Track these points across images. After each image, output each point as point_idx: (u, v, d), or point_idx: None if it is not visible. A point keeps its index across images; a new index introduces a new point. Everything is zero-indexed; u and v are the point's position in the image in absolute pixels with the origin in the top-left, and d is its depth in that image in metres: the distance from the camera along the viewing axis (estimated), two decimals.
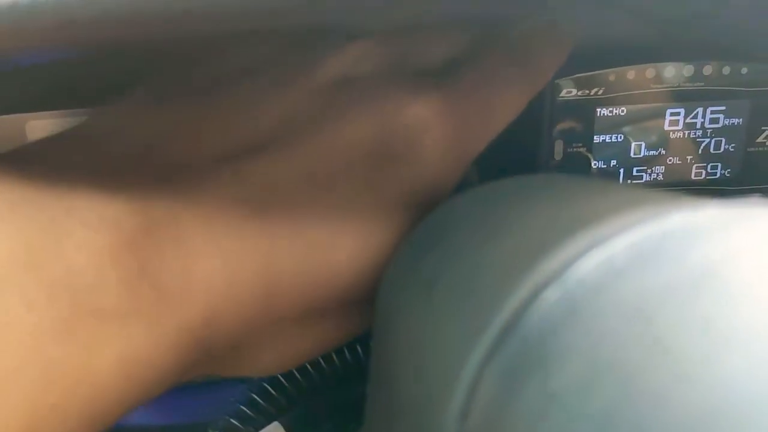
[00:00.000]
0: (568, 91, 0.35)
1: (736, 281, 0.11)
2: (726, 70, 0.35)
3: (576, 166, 0.36)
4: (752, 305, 0.10)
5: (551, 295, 0.12)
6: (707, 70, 0.35)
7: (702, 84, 0.35)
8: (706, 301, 0.11)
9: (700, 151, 0.37)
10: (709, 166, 0.37)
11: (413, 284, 0.17)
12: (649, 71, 0.35)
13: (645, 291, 0.11)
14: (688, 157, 0.37)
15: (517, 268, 0.13)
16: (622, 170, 0.37)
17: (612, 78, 0.35)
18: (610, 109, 0.35)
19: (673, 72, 0.35)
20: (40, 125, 0.32)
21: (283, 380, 0.27)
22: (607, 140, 0.36)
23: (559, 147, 0.36)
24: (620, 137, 0.36)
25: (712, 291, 0.11)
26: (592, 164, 0.36)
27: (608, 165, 0.36)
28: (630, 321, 0.11)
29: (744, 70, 0.35)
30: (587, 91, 0.35)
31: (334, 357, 0.29)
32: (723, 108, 0.36)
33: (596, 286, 0.11)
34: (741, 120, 0.36)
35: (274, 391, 0.27)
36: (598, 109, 0.35)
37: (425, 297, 0.16)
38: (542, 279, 0.12)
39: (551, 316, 0.11)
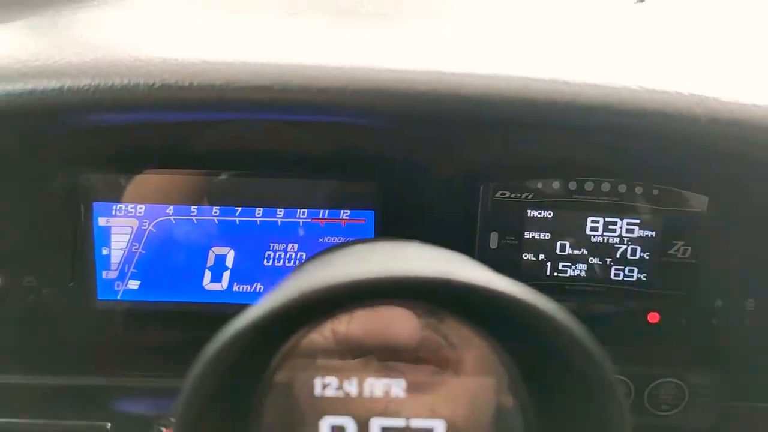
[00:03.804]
0: (503, 193, 0.42)
1: None
2: (639, 189, 0.42)
3: (509, 255, 0.43)
4: None
5: None
6: (622, 188, 0.42)
7: (617, 199, 0.42)
8: None
9: (618, 256, 0.43)
10: (626, 269, 0.44)
11: None
12: (572, 184, 0.42)
13: None
14: (608, 260, 0.43)
15: None
16: (549, 264, 0.44)
17: (540, 186, 0.42)
18: (539, 211, 0.43)
19: (592, 186, 0.42)
20: None
21: None
22: (536, 237, 0.43)
23: (494, 237, 0.43)
24: (548, 235, 0.43)
25: None
26: (523, 256, 0.43)
27: (537, 258, 0.43)
28: None
29: (655, 191, 0.42)
30: (519, 195, 0.42)
31: None
32: (637, 221, 0.43)
33: None
34: (654, 233, 0.43)
35: None
36: (529, 210, 0.43)
37: None
38: None
39: None
